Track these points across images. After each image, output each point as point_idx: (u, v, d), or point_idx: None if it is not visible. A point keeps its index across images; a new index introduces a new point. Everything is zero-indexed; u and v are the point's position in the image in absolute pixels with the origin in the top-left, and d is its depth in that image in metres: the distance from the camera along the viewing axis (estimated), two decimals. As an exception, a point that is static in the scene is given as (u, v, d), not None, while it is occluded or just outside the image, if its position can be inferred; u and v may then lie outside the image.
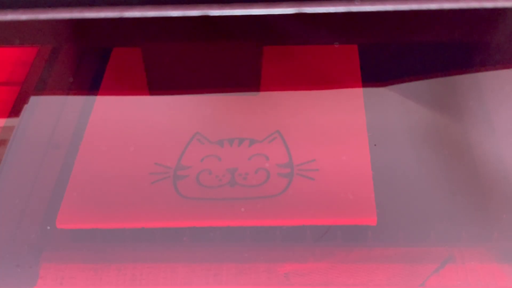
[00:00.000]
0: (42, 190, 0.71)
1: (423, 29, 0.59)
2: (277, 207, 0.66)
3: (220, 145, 0.72)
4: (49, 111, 0.79)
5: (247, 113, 0.77)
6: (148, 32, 0.59)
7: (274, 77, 0.79)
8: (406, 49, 0.83)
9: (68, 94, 0.83)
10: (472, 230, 0.65)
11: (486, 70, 0.80)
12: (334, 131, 0.73)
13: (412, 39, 0.71)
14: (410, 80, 0.80)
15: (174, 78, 0.73)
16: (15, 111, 0.78)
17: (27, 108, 0.78)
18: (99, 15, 0.57)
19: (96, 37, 0.61)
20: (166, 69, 0.72)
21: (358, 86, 0.79)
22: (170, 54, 0.71)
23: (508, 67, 0.78)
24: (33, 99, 0.80)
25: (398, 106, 0.78)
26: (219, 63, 0.71)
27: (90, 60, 0.86)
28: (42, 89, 0.82)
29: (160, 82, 0.73)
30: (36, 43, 0.78)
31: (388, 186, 0.69)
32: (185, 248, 0.66)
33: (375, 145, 0.72)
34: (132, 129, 0.75)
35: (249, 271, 0.64)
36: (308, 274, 0.63)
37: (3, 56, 0.87)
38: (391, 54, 0.83)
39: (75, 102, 0.81)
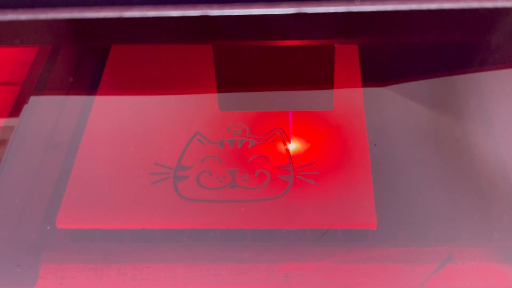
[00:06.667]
0: (42, 190, 0.71)
1: (423, 29, 0.59)
2: (277, 210, 0.66)
3: (221, 145, 0.72)
4: (49, 111, 0.79)
5: (247, 113, 0.77)
6: (148, 32, 0.59)
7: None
8: (406, 49, 0.83)
9: (67, 94, 0.83)
10: (472, 230, 0.65)
11: (486, 70, 0.80)
12: (334, 132, 0.73)
13: (412, 39, 0.71)
14: (410, 80, 0.80)
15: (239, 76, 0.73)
16: (15, 111, 0.77)
17: (27, 108, 0.78)
18: (99, 15, 0.57)
19: (96, 36, 0.61)
20: (234, 67, 0.73)
21: (358, 86, 0.79)
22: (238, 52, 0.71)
23: (508, 67, 0.78)
24: (33, 99, 0.79)
25: (398, 106, 0.78)
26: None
27: (89, 60, 0.86)
28: (42, 89, 0.81)
29: (228, 80, 0.73)
30: (36, 43, 0.77)
31: (388, 186, 0.69)
32: (185, 248, 0.66)
33: (375, 145, 0.72)
34: (132, 129, 0.75)
35: (249, 271, 0.64)
36: (308, 274, 0.63)
37: (3, 56, 0.87)
38: (391, 54, 0.83)
39: (74, 102, 0.81)
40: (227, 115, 0.76)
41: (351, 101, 0.77)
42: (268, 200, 0.67)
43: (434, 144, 0.74)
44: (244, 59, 0.73)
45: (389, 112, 0.77)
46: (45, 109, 0.79)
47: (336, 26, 0.58)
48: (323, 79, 0.74)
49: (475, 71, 0.80)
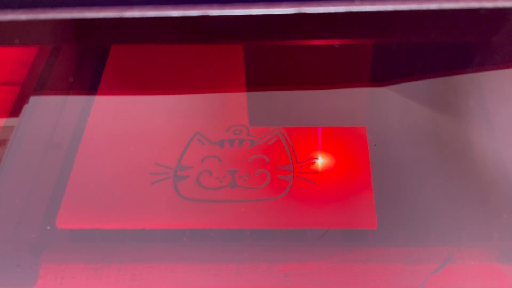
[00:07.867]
0: (42, 190, 0.71)
1: (423, 29, 0.59)
2: (277, 210, 0.66)
3: (221, 145, 0.72)
4: (49, 111, 0.79)
5: (247, 113, 0.77)
6: (148, 32, 0.59)
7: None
8: (406, 49, 0.83)
9: (67, 94, 0.83)
10: (472, 230, 0.65)
11: (486, 70, 0.80)
12: (334, 132, 0.73)
13: (412, 39, 0.71)
14: (410, 80, 0.80)
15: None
16: (15, 111, 0.78)
17: (27, 108, 0.78)
18: (99, 15, 0.57)
19: (96, 36, 0.61)
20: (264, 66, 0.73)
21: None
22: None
23: (508, 67, 0.78)
24: (33, 99, 0.79)
25: (398, 106, 0.78)
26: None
27: (89, 60, 0.86)
28: (42, 89, 0.82)
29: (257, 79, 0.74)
30: (36, 43, 0.78)
31: (388, 186, 0.69)
32: (185, 248, 0.66)
33: (375, 145, 0.72)
34: (132, 129, 0.75)
35: (249, 271, 0.64)
36: (308, 274, 0.63)
37: (3, 56, 0.87)
38: (391, 54, 0.83)
39: (74, 102, 0.81)
40: (227, 115, 0.76)
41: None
42: (268, 200, 0.67)
43: (434, 144, 0.74)
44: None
45: (389, 112, 0.77)
46: (45, 109, 0.79)
47: (336, 26, 0.58)
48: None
49: (475, 71, 0.80)
